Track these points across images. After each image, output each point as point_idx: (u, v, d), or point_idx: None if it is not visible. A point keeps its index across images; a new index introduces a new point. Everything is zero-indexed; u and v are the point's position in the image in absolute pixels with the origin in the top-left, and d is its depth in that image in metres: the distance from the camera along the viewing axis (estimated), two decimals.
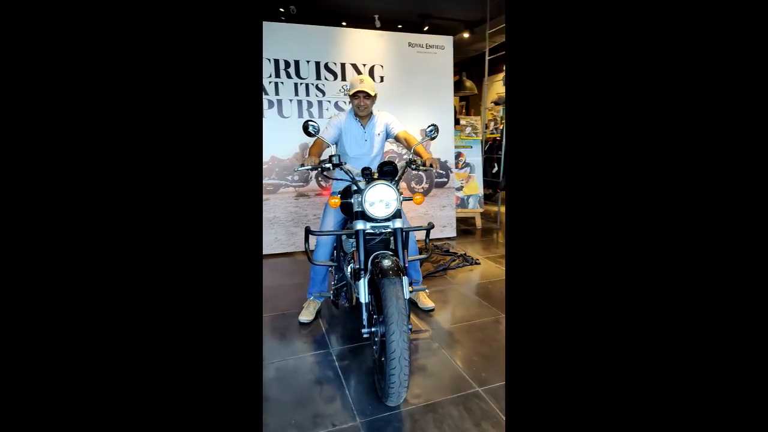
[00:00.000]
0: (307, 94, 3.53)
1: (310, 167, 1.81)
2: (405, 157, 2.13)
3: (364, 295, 1.60)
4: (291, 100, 3.49)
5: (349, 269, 1.93)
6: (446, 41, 3.89)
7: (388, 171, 1.74)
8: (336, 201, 1.76)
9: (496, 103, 4.75)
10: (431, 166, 1.91)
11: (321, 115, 3.56)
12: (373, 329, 1.60)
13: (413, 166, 1.90)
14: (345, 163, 1.81)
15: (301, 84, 3.51)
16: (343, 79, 3.62)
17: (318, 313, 2.34)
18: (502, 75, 4.82)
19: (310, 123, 1.77)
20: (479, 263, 3.29)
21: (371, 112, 2.28)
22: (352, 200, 1.76)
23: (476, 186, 4.57)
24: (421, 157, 1.95)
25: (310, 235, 1.76)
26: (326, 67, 3.57)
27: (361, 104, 2.17)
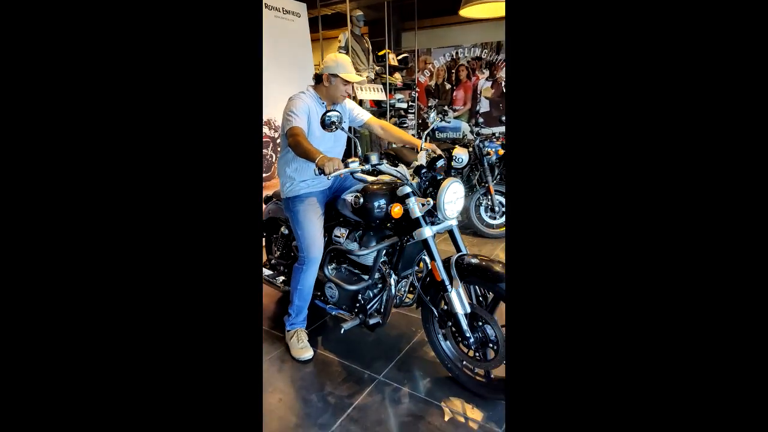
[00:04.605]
0: None
1: (347, 171, 1.41)
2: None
3: (461, 305, 1.47)
4: None
5: (393, 281, 1.66)
6: (301, 8, 3.49)
7: (443, 167, 1.57)
8: (399, 210, 1.47)
9: None
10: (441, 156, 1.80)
11: None
12: (476, 335, 1.49)
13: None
14: (384, 161, 1.50)
15: None
16: None
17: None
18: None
19: (329, 115, 1.39)
20: None
21: None
22: (410, 205, 1.51)
23: None
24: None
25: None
26: None
27: (347, 92, 1.78)
